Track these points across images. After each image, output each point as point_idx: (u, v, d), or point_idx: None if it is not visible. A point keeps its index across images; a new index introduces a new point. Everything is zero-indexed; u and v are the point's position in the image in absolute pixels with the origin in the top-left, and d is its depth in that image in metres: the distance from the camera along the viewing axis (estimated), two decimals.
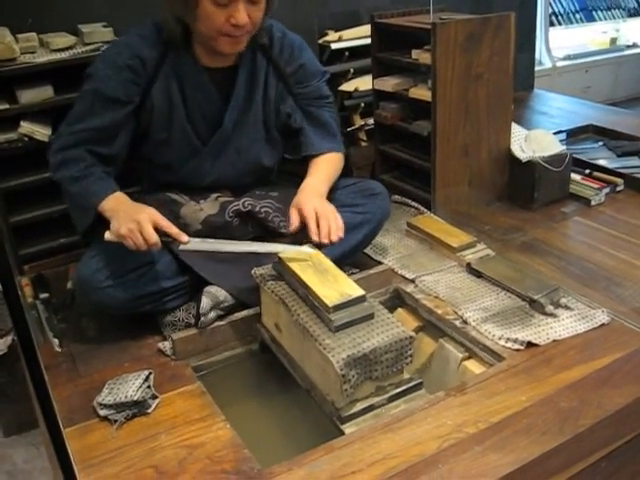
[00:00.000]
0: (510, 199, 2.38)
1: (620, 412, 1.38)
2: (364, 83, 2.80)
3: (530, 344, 1.58)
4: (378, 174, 2.60)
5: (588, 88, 4.91)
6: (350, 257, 1.87)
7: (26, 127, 2.01)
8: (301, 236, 1.65)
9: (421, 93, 2.30)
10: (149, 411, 1.44)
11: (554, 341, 1.59)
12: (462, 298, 1.77)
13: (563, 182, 2.34)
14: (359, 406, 1.38)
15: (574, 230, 2.19)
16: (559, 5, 5.33)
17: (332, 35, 2.85)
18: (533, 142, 2.33)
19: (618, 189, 2.40)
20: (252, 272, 1.64)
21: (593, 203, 2.30)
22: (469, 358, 1.64)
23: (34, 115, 2.05)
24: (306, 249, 1.57)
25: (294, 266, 1.54)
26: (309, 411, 1.55)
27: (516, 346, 1.57)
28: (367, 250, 2.00)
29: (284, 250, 1.57)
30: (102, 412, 1.42)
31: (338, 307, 1.40)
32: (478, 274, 1.87)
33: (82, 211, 1.67)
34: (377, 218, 1.88)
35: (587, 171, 2.46)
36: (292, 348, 1.54)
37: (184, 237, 1.57)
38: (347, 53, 2.86)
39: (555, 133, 2.60)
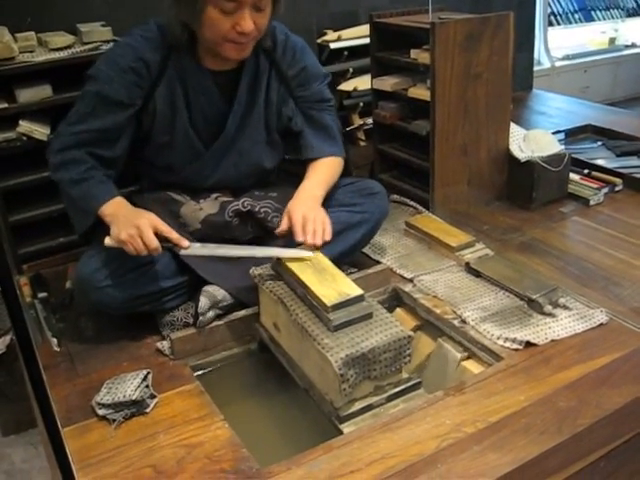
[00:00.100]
0: (509, 199, 2.38)
1: (619, 412, 1.38)
2: (363, 83, 2.80)
3: (529, 344, 1.58)
4: (377, 173, 2.60)
5: (587, 88, 4.91)
6: (349, 256, 1.87)
7: (25, 126, 2.01)
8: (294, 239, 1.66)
9: (420, 93, 2.30)
10: (147, 411, 1.44)
11: (552, 341, 1.59)
12: (461, 298, 1.77)
13: (562, 182, 2.34)
14: (358, 405, 1.38)
15: (573, 230, 2.19)
16: (558, 5, 5.33)
17: (331, 35, 2.85)
18: (532, 142, 2.33)
19: (617, 189, 2.40)
20: (250, 271, 1.64)
21: (592, 203, 2.31)
22: (468, 358, 1.63)
23: (33, 114, 2.05)
24: (304, 252, 1.57)
25: (292, 266, 1.54)
26: (308, 410, 1.55)
27: (515, 346, 1.57)
28: (365, 249, 2.00)
29: (284, 254, 1.57)
30: (100, 411, 1.42)
31: (336, 306, 1.40)
32: (477, 274, 1.87)
33: (81, 214, 1.67)
34: (375, 217, 1.88)
35: (586, 171, 2.46)
36: (291, 347, 1.54)
37: (184, 242, 1.58)
38: (346, 53, 2.86)
39: (554, 133, 2.60)
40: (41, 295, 1.84)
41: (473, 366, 1.60)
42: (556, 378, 1.47)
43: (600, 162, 2.59)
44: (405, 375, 1.45)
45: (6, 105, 1.99)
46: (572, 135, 2.92)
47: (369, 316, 1.43)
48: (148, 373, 1.51)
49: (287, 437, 1.57)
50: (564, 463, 1.34)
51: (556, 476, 1.34)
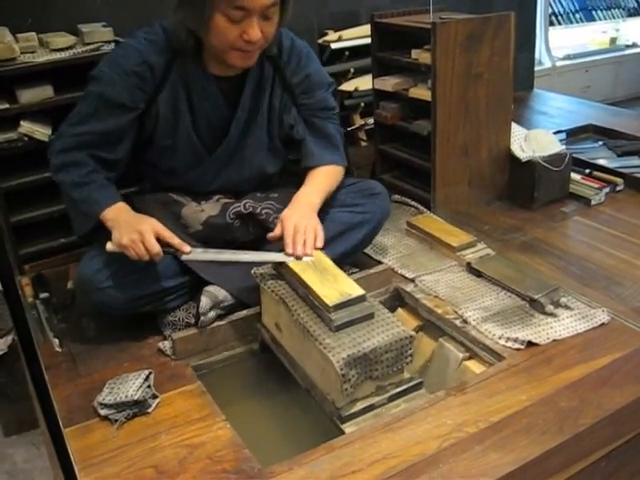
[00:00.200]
0: (510, 199, 2.38)
1: (620, 412, 1.38)
2: (364, 83, 2.80)
3: (530, 344, 1.58)
4: (378, 174, 2.60)
5: (588, 88, 4.91)
6: (350, 257, 1.87)
7: (26, 127, 2.01)
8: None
9: (421, 93, 2.30)
10: (149, 411, 1.44)
11: (554, 341, 1.59)
12: (462, 297, 1.77)
13: (563, 182, 2.34)
14: (359, 405, 1.38)
15: (574, 230, 2.19)
16: (559, 5, 5.33)
17: (332, 35, 2.85)
18: (533, 142, 2.33)
19: (618, 189, 2.40)
20: (252, 272, 1.64)
21: (593, 203, 2.31)
22: (469, 358, 1.63)
23: (34, 115, 2.05)
24: (305, 258, 1.57)
25: (294, 266, 1.54)
26: (309, 411, 1.55)
27: (516, 345, 1.57)
28: (367, 250, 2.00)
29: (285, 259, 1.57)
30: (102, 412, 1.42)
31: (338, 306, 1.40)
32: (478, 274, 1.87)
33: (82, 216, 1.67)
34: (377, 218, 1.88)
35: (587, 171, 2.46)
36: (292, 348, 1.54)
37: (186, 247, 1.59)
38: (347, 53, 2.86)
39: (555, 133, 2.60)
40: (43, 295, 1.84)
41: (475, 366, 1.60)
42: (558, 378, 1.47)
43: (601, 162, 2.59)
44: (407, 375, 1.45)
45: (7, 106, 1.99)
46: (573, 135, 2.92)
47: (371, 316, 1.43)
48: (150, 373, 1.51)
49: (289, 437, 1.57)
50: (565, 463, 1.34)
51: (557, 476, 1.34)
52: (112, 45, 2.10)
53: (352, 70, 2.89)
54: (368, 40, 2.55)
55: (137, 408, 1.43)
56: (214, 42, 1.60)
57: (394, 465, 1.25)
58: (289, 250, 1.58)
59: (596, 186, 2.35)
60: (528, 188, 2.29)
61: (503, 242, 2.09)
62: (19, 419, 2.19)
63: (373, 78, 2.51)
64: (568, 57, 4.95)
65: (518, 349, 1.57)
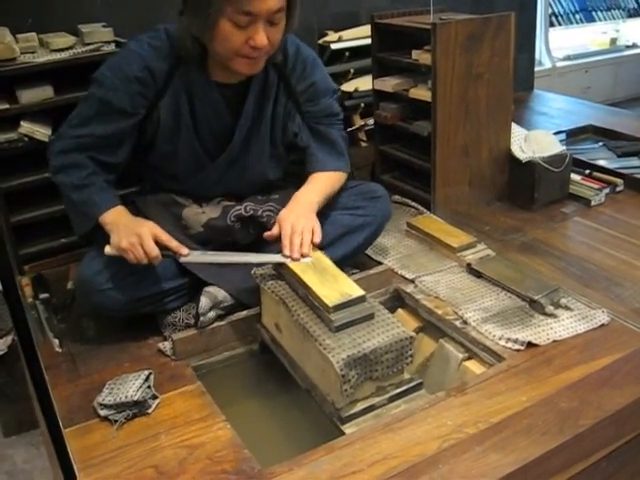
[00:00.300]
0: (510, 199, 2.38)
1: (620, 412, 1.38)
2: (364, 83, 2.81)
3: (530, 344, 1.58)
4: (378, 174, 2.60)
5: (588, 88, 4.91)
6: (351, 259, 1.88)
7: (26, 127, 2.01)
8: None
9: (421, 93, 2.30)
10: (149, 411, 1.44)
11: (554, 341, 1.59)
12: (462, 298, 1.77)
13: (563, 182, 2.34)
14: (359, 406, 1.38)
15: (574, 230, 2.19)
16: (559, 5, 5.33)
17: (332, 35, 2.85)
18: (533, 142, 2.33)
19: (618, 189, 2.40)
20: (252, 272, 1.64)
21: (593, 203, 2.31)
22: (469, 358, 1.63)
23: (34, 115, 2.05)
24: (305, 259, 1.57)
25: (294, 266, 1.54)
26: (309, 411, 1.55)
27: (516, 346, 1.57)
28: (367, 250, 2.00)
29: (283, 261, 1.57)
30: (102, 412, 1.42)
31: (338, 307, 1.40)
32: (478, 274, 1.87)
33: (82, 217, 1.67)
34: (378, 221, 1.88)
35: (587, 171, 2.46)
36: (292, 348, 1.54)
37: (184, 250, 1.59)
38: (347, 53, 2.86)
39: (555, 133, 2.60)
40: (43, 296, 1.84)
41: (475, 367, 1.60)
42: (558, 379, 1.47)
43: (601, 163, 2.59)
44: (407, 376, 1.45)
45: (7, 106, 1.99)
46: (573, 135, 2.92)
47: (371, 317, 1.43)
48: (150, 374, 1.51)
49: (289, 438, 1.57)
50: (566, 464, 1.34)
51: (558, 477, 1.34)
52: (112, 45, 2.10)
53: (352, 71, 2.89)
54: (368, 41, 2.55)
55: (137, 408, 1.43)
56: (219, 49, 1.58)
57: (394, 466, 1.25)
58: (286, 252, 1.58)
59: (596, 187, 2.35)
60: (528, 189, 2.29)
61: (503, 243, 2.09)
62: (19, 419, 2.19)
63: (373, 79, 2.51)
64: (568, 58, 4.96)
65: (518, 350, 1.57)
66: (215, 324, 1.66)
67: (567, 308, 1.70)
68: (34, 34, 2.05)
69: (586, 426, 1.33)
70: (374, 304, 1.47)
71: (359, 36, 2.86)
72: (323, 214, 1.75)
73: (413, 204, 2.35)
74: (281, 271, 1.60)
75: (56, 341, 1.68)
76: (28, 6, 2.18)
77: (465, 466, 1.24)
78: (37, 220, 2.12)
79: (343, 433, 1.35)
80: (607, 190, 2.35)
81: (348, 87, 2.87)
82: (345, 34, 2.85)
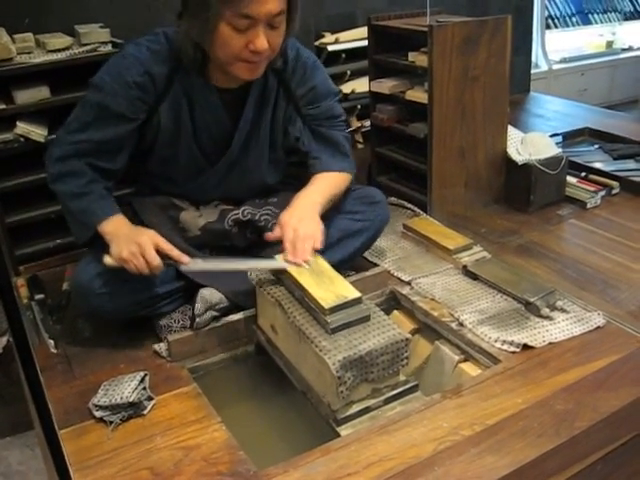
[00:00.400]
0: (506, 201, 2.38)
1: (616, 414, 1.38)
2: (361, 85, 2.81)
3: (526, 346, 1.58)
4: (374, 176, 2.60)
5: (584, 91, 4.91)
6: (348, 263, 1.87)
7: (22, 127, 2.00)
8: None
9: (417, 95, 2.31)
10: (145, 413, 1.43)
11: (550, 344, 1.59)
12: (458, 300, 1.77)
13: (559, 185, 2.35)
14: (355, 408, 1.38)
15: (570, 233, 2.19)
16: (555, 8, 5.34)
17: (329, 37, 2.85)
18: (529, 145, 2.34)
19: (614, 192, 2.40)
20: (248, 274, 1.64)
21: (589, 206, 2.31)
22: (465, 360, 1.63)
23: (30, 115, 2.05)
24: (306, 264, 1.54)
25: (290, 268, 1.54)
26: (305, 413, 1.55)
27: (512, 348, 1.57)
28: None
29: (285, 266, 1.54)
30: (97, 413, 1.42)
31: (334, 309, 1.40)
32: (474, 276, 1.87)
33: (81, 226, 1.64)
34: (376, 226, 1.88)
35: (583, 174, 2.46)
36: (288, 350, 1.54)
37: (185, 258, 1.55)
38: (344, 55, 2.86)
39: (551, 136, 2.60)
40: (38, 297, 1.83)
41: (470, 369, 1.60)
42: (554, 381, 1.47)
43: (597, 165, 2.59)
44: (402, 378, 1.45)
45: (4, 106, 1.99)
46: (569, 138, 2.92)
47: (367, 319, 1.43)
48: (145, 375, 1.51)
49: (284, 439, 1.57)
50: (561, 466, 1.34)
51: (553, 479, 1.34)
52: (109, 46, 2.09)
53: (349, 72, 2.89)
54: (365, 42, 2.55)
55: (132, 410, 1.42)
56: (219, 54, 1.56)
57: (390, 468, 1.25)
58: (289, 257, 1.55)
59: (592, 189, 2.35)
60: (524, 191, 2.30)
61: (499, 245, 2.09)
62: (14, 421, 2.19)
63: (370, 80, 2.51)
64: (564, 60, 4.96)
65: (514, 352, 1.57)
66: (211, 325, 1.66)
67: (563, 310, 1.70)
68: (31, 34, 2.04)
69: (582, 428, 1.33)
70: (370, 306, 1.47)
71: (356, 38, 2.86)
72: (322, 217, 1.74)
73: (409, 206, 2.35)
74: (277, 273, 1.59)
75: (51, 342, 1.68)
76: (25, 6, 2.17)
77: (461, 468, 1.24)
78: (33, 221, 2.11)
79: (339, 435, 1.35)
80: (603, 193, 2.36)
81: (344, 89, 2.86)
82: (342, 36, 2.85)
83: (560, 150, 2.38)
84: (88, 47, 2.07)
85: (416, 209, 2.32)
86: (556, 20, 5.32)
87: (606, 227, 2.18)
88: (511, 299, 1.75)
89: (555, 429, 1.33)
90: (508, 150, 2.34)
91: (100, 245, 1.59)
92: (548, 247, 2.07)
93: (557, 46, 5.10)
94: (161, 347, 1.64)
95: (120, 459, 1.32)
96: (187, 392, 1.50)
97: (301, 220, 1.60)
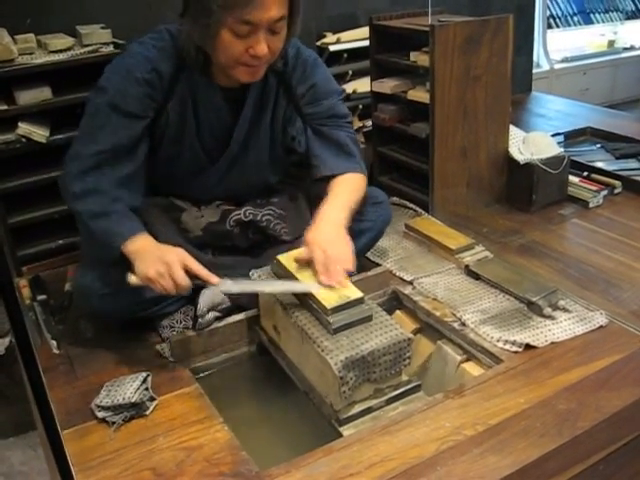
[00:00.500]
0: (508, 201, 2.38)
1: (618, 414, 1.38)
2: (362, 85, 2.80)
3: (528, 346, 1.58)
4: (376, 176, 2.60)
5: (586, 90, 4.91)
6: None
7: (24, 128, 2.00)
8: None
9: (419, 95, 2.31)
10: (147, 413, 1.43)
11: (552, 343, 1.59)
12: (460, 300, 1.77)
13: (561, 184, 2.34)
14: (357, 408, 1.38)
15: (572, 232, 2.19)
16: (557, 8, 5.33)
17: (330, 37, 2.85)
18: (531, 144, 2.33)
19: (616, 191, 2.40)
20: (250, 274, 1.64)
21: (591, 205, 2.31)
22: (467, 360, 1.63)
23: (32, 116, 2.05)
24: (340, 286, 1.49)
25: (292, 268, 1.54)
26: (307, 413, 1.54)
27: (514, 348, 1.57)
28: None
29: (319, 290, 1.46)
30: (100, 414, 1.42)
31: (336, 309, 1.40)
32: (476, 276, 1.87)
33: (104, 248, 1.56)
34: (378, 227, 1.88)
35: (585, 173, 2.46)
36: (290, 350, 1.54)
37: (214, 279, 1.49)
38: (345, 55, 2.85)
39: (553, 135, 2.60)
40: (40, 297, 1.84)
41: (473, 369, 1.60)
42: (556, 380, 1.47)
43: (599, 164, 2.59)
44: (405, 378, 1.45)
45: (5, 107, 1.99)
46: (571, 137, 2.92)
47: (369, 319, 1.43)
48: (148, 375, 1.51)
49: (286, 440, 1.57)
50: (564, 466, 1.34)
51: (556, 479, 1.34)
52: (110, 47, 2.09)
53: (350, 72, 2.88)
54: (366, 42, 2.56)
55: (134, 410, 1.42)
56: (220, 58, 1.56)
57: (392, 468, 1.25)
58: (323, 279, 1.47)
59: (594, 189, 2.35)
60: (526, 190, 2.30)
61: (501, 245, 2.09)
62: (16, 421, 2.19)
63: (371, 80, 2.51)
64: (566, 60, 4.95)
65: (516, 352, 1.57)
66: (213, 326, 1.66)
67: (565, 310, 1.70)
68: (32, 35, 2.05)
69: (584, 428, 1.33)
70: (372, 306, 1.47)
71: (357, 38, 2.86)
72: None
73: (411, 206, 2.35)
74: (279, 273, 1.59)
75: (54, 343, 1.68)
76: (26, 7, 2.17)
77: (463, 468, 1.24)
78: (35, 221, 2.11)
79: (341, 435, 1.35)
80: (605, 192, 2.35)
81: (346, 89, 2.86)
82: (343, 36, 2.84)
83: (562, 150, 2.37)
84: (90, 48, 2.07)
85: (418, 209, 2.32)
86: (558, 19, 5.32)
87: (608, 226, 2.18)
88: (513, 299, 1.75)
89: (557, 429, 1.33)
90: (510, 150, 2.33)
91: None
92: (550, 247, 2.07)
93: (559, 45, 5.09)
94: (163, 347, 1.64)
95: (122, 460, 1.32)
96: (189, 392, 1.50)
97: (329, 240, 1.54)
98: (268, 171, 1.84)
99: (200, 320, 1.62)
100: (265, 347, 1.65)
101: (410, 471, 1.24)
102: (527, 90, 3.76)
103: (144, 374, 1.50)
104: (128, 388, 1.44)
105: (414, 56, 2.32)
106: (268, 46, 1.53)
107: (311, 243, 1.54)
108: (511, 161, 2.33)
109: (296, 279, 1.50)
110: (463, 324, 1.67)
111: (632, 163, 2.64)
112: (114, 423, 1.40)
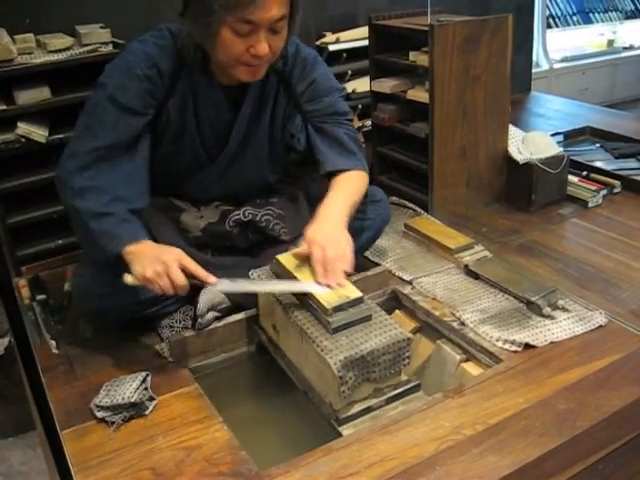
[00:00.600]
0: (507, 201, 2.38)
1: (617, 414, 1.38)
2: (362, 85, 2.80)
3: (528, 346, 1.58)
4: (376, 176, 2.60)
5: (585, 90, 4.91)
6: None
7: (23, 128, 2.01)
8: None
9: (419, 95, 2.31)
10: (146, 413, 1.43)
11: (552, 343, 1.59)
12: (460, 300, 1.77)
13: (560, 184, 2.35)
14: (357, 408, 1.38)
15: (571, 232, 2.19)
16: (556, 7, 5.33)
17: (329, 37, 2.85)
18: (530, 144, 2.33)
19: (615, 191, 2.40)
20: (250, 274, 1.64)
21: (590, 205, 2.31)
22: (467, 360, 1.63)
23: (31, 116, 2.05)
24: (338, 287, 1.48)
25: (292, 268, 1.54)
26: (307, 413, 1.55)
27: (514, 348, 1.57)
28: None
29: (318, 290, 1.46)
30: (99, 414, 1.42)
31: (336, 309, 1.40)
32: (476, 276, 1.87)
33: (102, 249, 1.52)
34: (377, 225, 1.88)
35: (584, 173, 2.46)
36: (290, 350, 1.54)
37: (212, 279, 1.48)
38: (345, 55, 2.86)
39: (552, 135, 2.60)
40: (39, 297, 1.84)
41: (472, 368, 1.60)
42: (555, 380, 1.47)
43: (599, 164, 2.59)
44: (404, 377, 1.45)
45: (5, 107, 1.99)
46: (571, 137, 2.92)
47: (368, 318, 1.43)
48: (147, 375, 1.51)
49: (286, 440, 1.57)
50: (563, 465, 1.34)
51: (555, 478, 1.34)
52: (110, 46, 2.10)
53: (350, 72, 2.88)
54: (366, 42, 2.56)
55: (134, 410, 1.42)
56: (220, 57, 1.55)
57: (391, 467, 1.25)
58: (321, 279, 1.46)
59: (593, 188, 2.35)
60: (526, 190, 2.30)
61: (501, 244, 2.09)
62: (16, 421, 2.19)
63: (371, 80, 2.51)
64: (565, 59, 4.95)
65: (515, 351, 1.57)
66: (212, 325, 1.66)
67: (564, 310, 1.70)
68: (31, 35, 2.05)
69: (583, 428, 1.33)
70: (372, 305, 1.47)
71: (357, 37, 2.86)
72: None
73: (410, 205, 2.35)
74: (279, 273, 1.59)
75: (53, 343, 1.68)
76: (25, 7, 2.17)
77: (462, 468, 1.24)
78: (34, 221, 2.12)
79: (340, 435, 1.35)
80: (604, 192, 2.36)
81: (346, 88, 2.87)
82: (343, 35, 2.85)
83: (561, 149, 2.37)
84: (89, 47, 2.08)
85: (417, 208, 2.32)
86: (557, 19, 5.32)
87: (608, 226, 2.18)
88: (512, 298, 1.75)
89: (557, 428, 1.33)
90: (509, 149, 2.33)
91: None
92: (549, 246, 2.07)
93: (558, 45, 5.10)
94: (163, 347, 1.64)
95: (122, 459, 1.32)
96: (189, 392, 1.50)
97: (329, 238, 1.53)
98: (267, 170, 1.84)
99: (200, 320, 1.62)
100: (264, 347, 1.65)
101: (409, 471, 1.24)
102: (526, 90, 3.76)
103: (143, 374, 1.50)
104: (127, 388, 1.44)
105: (413, 56, 2.32)
106: (269, 45, 1.53)
107: (311, 241, 1.53)
108: (510, 161, 2.33)
109: (295, 279, 1.50)
110: (462, 324, 1.67)
111: (631, 163, 2.64)
112: (113, 423, 1.40)
